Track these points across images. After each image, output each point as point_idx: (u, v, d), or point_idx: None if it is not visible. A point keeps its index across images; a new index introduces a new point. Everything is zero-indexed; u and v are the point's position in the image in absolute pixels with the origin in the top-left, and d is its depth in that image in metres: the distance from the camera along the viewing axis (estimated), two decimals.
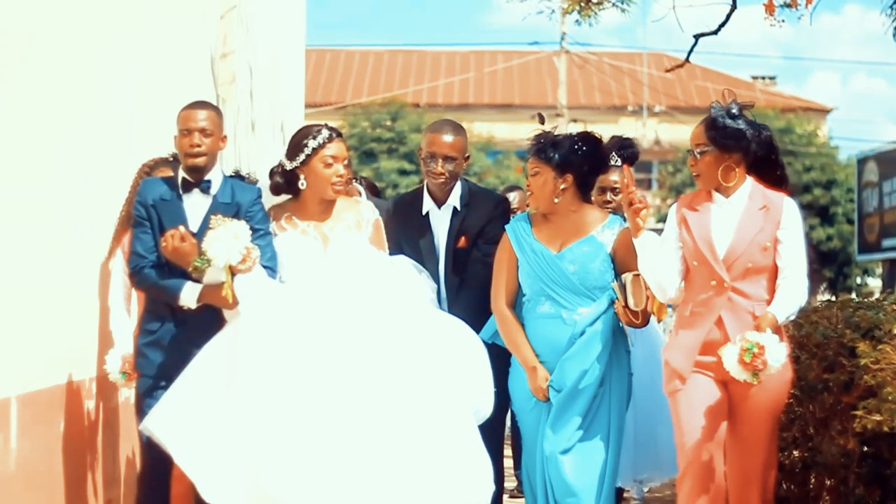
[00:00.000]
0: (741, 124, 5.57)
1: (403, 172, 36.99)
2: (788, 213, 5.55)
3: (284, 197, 6.00)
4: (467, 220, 6.37)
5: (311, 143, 5.84)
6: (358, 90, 44.50)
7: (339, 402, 5.42)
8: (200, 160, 5.87)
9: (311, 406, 5.40)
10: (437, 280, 6.26)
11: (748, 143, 5.56)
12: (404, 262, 6.05)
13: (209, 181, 5.92)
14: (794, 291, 5.42)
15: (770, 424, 5.54)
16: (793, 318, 5.48)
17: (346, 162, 5.91)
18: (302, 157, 5.85)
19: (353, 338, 5.58)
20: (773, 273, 5.50)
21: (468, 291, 6.27)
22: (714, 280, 5.50)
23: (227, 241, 5.58)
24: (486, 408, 5.81)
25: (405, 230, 6.35)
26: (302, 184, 5.87)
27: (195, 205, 5.90)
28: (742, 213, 5.55)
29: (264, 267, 5.75)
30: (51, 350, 6.42)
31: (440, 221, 6.41)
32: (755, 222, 5.52)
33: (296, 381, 5.44)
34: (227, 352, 5.60)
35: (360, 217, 5.96)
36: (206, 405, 5.51)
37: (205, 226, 5.73)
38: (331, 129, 5.93)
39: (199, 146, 5.86)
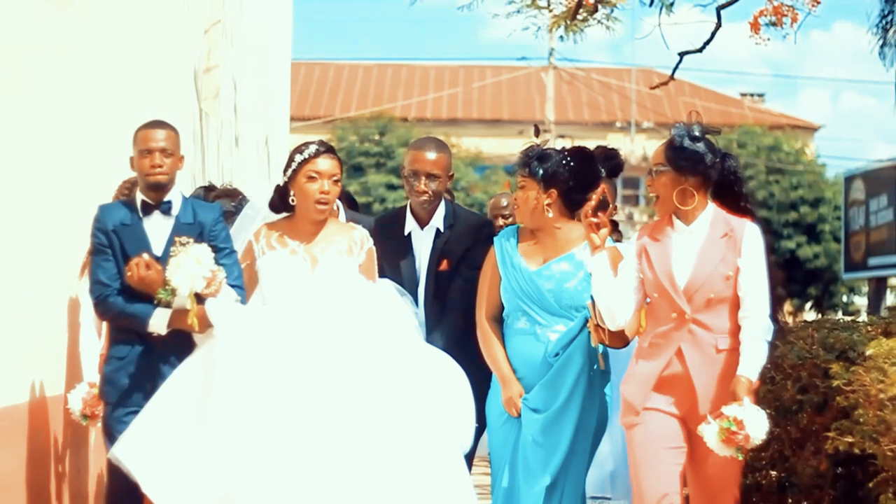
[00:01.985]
0: (701, 148, 5.35)
1: (391, 187, 36.98)
2: (749, 240, 5.36)
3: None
4: (450, 243, 6.25)
5: (298, 158, 5.77)
6: (346, 104, 44.50)
7: (315, 428, 5.34)
8: (162, 179, 5.77)
9: (287, 433, 5.32)
10: (416, 304, 6.14)
11: (706, 168, 5.36)
12: (389, 289, 5.96)
13: (169, 202, 5.82)
14: (759, 337, 5.26)
15: (734, 462, 5.30)
16: (764, 361, 5.29)
17: (334, 179, 5.78)
18: (290, 171, 5.78)
19: (333, 363, 5.50)
20: (737, 302, 5.33)
21: (449, 317, 6.16)
22: (675, 312, 5.32)
23: (190, 267, 5.49)
24: (467, 440, 5.75)
25: (386, 251, 6.16)
26: (292, 200, 5.79)
27: (157, 227, 5.78)
28: (703, 242, 5.37)
29: (232, 286, 5.67)
30: (24, 366, 6.41)
31: (422, 243, 6.28)
32: (717, 251, 5.34)
33: (271, 406, 5.36)
34: (199, 376, 5.51)
35: (352, 243, 5.86)
36: (176, 432, 5.42)
37: (169, 248, 5.65)
38: (321, 143, 5.83)
39: (160, 166, 5.75)
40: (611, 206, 5.80)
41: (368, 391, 5.48)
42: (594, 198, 5.51)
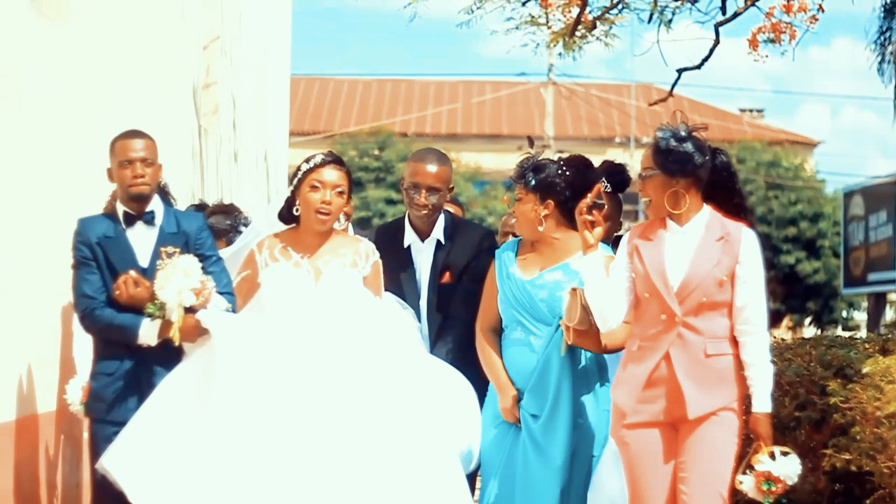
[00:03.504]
0: (688, 148, 5.22)
1: (390, 202, 37.00)
2: (747, 247, 5.26)
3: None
4: (452, 255, 6.21)
5: (304, 167, 5.75)
6: (346, 119, 44.51)
7: (314, 442, 5.33)
8: (145, 189, 5.75)
9: (286, 446, 5.31)
10: (418, 317, 6.12)
11: (696, 168, 5.24)
12: (392, 302, 5.94)
13: (152, 212, 5.80)
14: (765, 358, 5.21)
15: (723, 463, 5.23)
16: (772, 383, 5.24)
17: (338, 190, 5.72)
18: (295, 181, 5.76)
19: (333, 375, 5.48)
20: (729, 307, 5.23)
21: (451, 330, 6.13)
22: (664, 314, 5.22)
23: (178, 281, 5.48)
24: (475, 452, 5.75)
25: (385, 263, 6.05)
26: (296, 210, 5.77)
27: (141, 238, 5.77)
28: (698, 244, 5.26)
29: (221, 293, 5.66)
30: (16, 382, 6.40)
31: (423, 255, 6.24)
32: (712, 254, 5.23)
33: (270, 418, 5.34)
34: (190, 386, 5.49)
35: (358, 256, 5.82)
36: (166, 442, 5.39)
37: (155, 259, 5.63)
38: (328, 154, 5.81)
39: (142, 176, 5.73)
40: (605, 206, 5.68)
41: (369, 404, 5.47)
42: (589, 196, 5.42)
